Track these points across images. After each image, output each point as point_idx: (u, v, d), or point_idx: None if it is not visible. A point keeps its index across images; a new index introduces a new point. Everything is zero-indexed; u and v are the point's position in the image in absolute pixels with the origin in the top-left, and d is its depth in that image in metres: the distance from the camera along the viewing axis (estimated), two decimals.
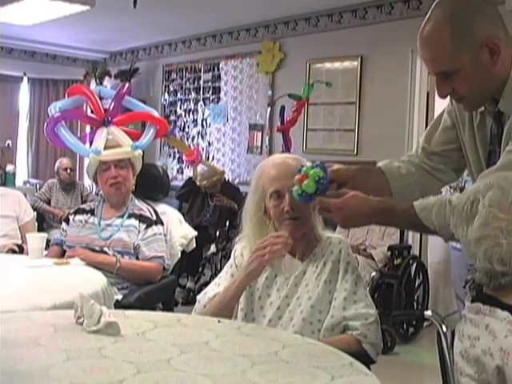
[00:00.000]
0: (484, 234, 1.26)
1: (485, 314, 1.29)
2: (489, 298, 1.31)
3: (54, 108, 3.09)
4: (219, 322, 1.66)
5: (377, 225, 1.72)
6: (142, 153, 3.02)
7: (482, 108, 1.60)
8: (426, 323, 4.50)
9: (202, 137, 7.14)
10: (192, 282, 5.46)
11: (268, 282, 1.85)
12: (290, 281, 1.84)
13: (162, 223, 2.94)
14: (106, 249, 2.79)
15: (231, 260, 1.93)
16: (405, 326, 4.33)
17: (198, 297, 1.89)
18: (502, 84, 1.50)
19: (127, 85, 3.32)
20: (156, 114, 3.30)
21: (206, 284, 6.20)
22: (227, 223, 5.53)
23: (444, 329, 1.48)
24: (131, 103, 3.35)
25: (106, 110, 3.20)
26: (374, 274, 4.07)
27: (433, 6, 1.51)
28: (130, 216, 2.88)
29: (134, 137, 3.09)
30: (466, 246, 1.30)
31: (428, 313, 1.55)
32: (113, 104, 3.22)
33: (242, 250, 1.92)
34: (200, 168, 5.78)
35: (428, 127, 1.81)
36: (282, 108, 5.50)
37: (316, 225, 1.91)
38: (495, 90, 1.52)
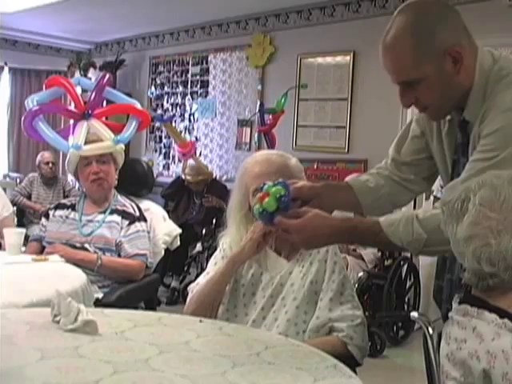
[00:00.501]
0: (473, 233, 1.26)
1: (472, 316, 1.29)
2: (477, 300, 1.31)
3: (32, 101, 3.05)
4: (201, 321, 1.66)
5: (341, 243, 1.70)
6: (124, 147, 3.00)
7: (449, 116, 1.61)
8: (416, 325, 4.52)
9: (190, 132, 7.13)
10: (177, 282, 5.45)
11: (254, 279, 1.87)
12: (275, 280, 1.85)
13: (145, 220, 2.93)
14: (86, 245, 2.78)
15: (219, 252, 1.93)
16: (395, 328, 4.34)
17: (190, 286, 1.90)
18: (467, 93, 1.52)
19: (108, 75, 3.30)
20: (138, 105, 3.28)
21: (192, 283, 6.17)
22: (213, 221, 5.53)
23: (430, 331, 1.49)
24: (113, 95, 3.33)
25: (86, 103, 3.18)
26: (361, 274, 4.07)
27: (395, 13, 1.52)
28: (112, 212, 2.88)
29: (116, 130, 3.08)
30: (455, 245, 1.31)
31: (414, 314, 1.56)
32: (93, 96, 3.20)
33: (230, 243, 1.93)
34: (190, 162, 5.82)
35: (397, 137, 1.81)
36: (261, 107, 5.53)
37: None
38: (460, 99, 1.53)
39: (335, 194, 1.73)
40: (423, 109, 1.56)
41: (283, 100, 5.42)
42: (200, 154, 6.87)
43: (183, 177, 5.86)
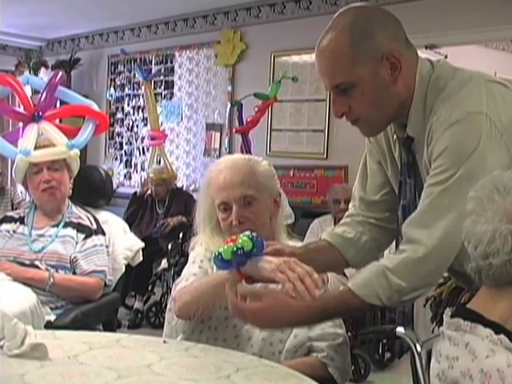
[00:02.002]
0: (471, 209, 1.27)
1: (465, 330, 1.28)
2: (470, 313, 1.31)
3: None
4: (165, 342, 1.66)
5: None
6: (79, 152, 2.97)
7: (395, 136, 1.63)
8: (404, 347, 4.52)
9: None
10: (140, 302, 5.40)
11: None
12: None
13: (103, 233, 2.91)
14: (37, 262, 2.73)
15: (197, 264, 1.89)
16: (380, 350, 4.34)
17: (176, 282, 1.88)
18: (406, 107, 1.54)
19: (61, 73, 3.26)
20: (95, 106, 3.25)
21: (157, 304, 6.12)
22: (180, 235, 5.50)
23: (418, 348, 1.49)
24: (66, 95, 3.29)
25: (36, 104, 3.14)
26: (342, 288, 4.07)
27: (334, 16, 1.55)
28: (66, 225, 2.85)
29: (70, 134, 3.04)
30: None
31: (400, 330, 1.55)
32: (44, 96, 3.16)
33: (204, 253, 1.91)
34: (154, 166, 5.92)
35: (357, 177, 1.83)
36: (241, 106, 5.51)
37: (278, 232, 1.91)
38: (398, 113, 1.55)
39: (317, 256, 1.74)
40: (355, 120, 1.57)
41: (277, 87, 5.39)
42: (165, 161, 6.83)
43: (139, 190, 5.94)
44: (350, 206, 1.83)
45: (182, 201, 5.76)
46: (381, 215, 1.76)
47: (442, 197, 1.44)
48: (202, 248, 1.92)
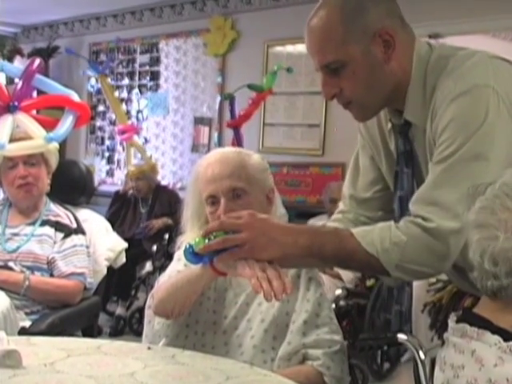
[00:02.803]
0: (484, 221, 1.24)
1: (472, 337, 1.27)
2: (477, 319, 1.30)
3: None
4: (149, 348, 1.65)
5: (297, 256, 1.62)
6: (58, 146, 2.96)
7: (390, 125, 1.63)
8: (405, 357, 4.52)
9: (138, 132, 7.06)
10: (122, 308, 5.39)
11: (216, 295, 1.85)
12: (239, 299, 1.84)
13: (83, 232, 2.90)
14: (11, 264, 2.72)
15: (182, 261, 1.88)
16: (379, 359, 4.34)
17: (159, 278, 1.90)
18: (402, 90, 1.54)
19: (38, 60, 3.24)
20: (76, 97, 3.23)
21: (141, 310, 6.13)
22: (166, 236, 5.49)
23: (422, 356, 1.48)
24: (44, 84, 3.26)
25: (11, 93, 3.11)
26: (338, 291, 4.07)
27: None
28: (43, 223, 2.84)
29: (48, 126, 3.02)
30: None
31: (402, 336, 1.55)
32: (20, 84, 3.13)
33: None
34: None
35: (348, 174, 1.84)
36: (233, 99, 5.50)
37: None
38: (393, 97, 1.56)
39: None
40: (347, 103, 1.58)
41: (273, 78, 5.38)
42: (150, 158, 6.82)
43: (122, 188, 5.97)
44: (340, 203, 1.84)
45: (166, 199, 5.76)
46: (373, 214, 1.76)
47: (451, 171, 1.43)
48: None
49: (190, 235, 1.93)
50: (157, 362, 1.54)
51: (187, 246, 1.54)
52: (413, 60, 1.54)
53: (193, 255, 1.53)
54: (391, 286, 1.72)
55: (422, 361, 1.48)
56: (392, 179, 1.68)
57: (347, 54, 1.49)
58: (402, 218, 1.50)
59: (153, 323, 1.88)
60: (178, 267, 1.87)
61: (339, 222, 1.79)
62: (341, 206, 1.83)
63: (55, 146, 2.93)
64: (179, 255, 1.92)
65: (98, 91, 7.44)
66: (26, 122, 2.99)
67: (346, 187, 1.82)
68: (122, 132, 6.03)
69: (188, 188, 1.96)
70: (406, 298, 1.65)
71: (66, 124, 3.11)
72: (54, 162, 2.93)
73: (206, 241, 1.51)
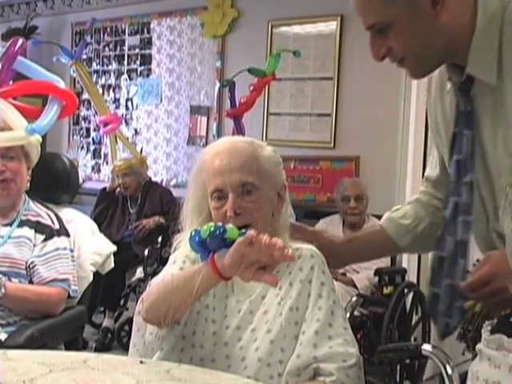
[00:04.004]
0: None
1: (509, 350, 1.27)
2: None
3: None
4: (142, 362, 1.64)
5: None
6: (40, 139, 2.94)
7: (449, 85, 1.67)
8: (427, 374, 4.51)
9: (127, 122, 7.11)
10: (110, 320, 5.40)
11: (216, 302, 1.84)
12: (243, 306, 1.84)
13: (67, 234, 2.90)
14: None
15: (178, 265, 1.89)
16: (398, 377, 4.34)
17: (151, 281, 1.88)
18: (462, 44, 1.57)
19: (21, 40, 3.23)
20: (61, 84, 3.22)
21: (130, 322, 6.17)
22: (159, 239, 5.49)
23: (449, 370, 1.47)
24: (27, 68, 3.25)
25: None
26: (354, 298, 4.07)
27: None
28: (21, 224, 2.84)
29: (30, 115, 3.01)
30: (508, 242, 1.35)
31: (427, 347, 1.53)
32: None
33: (195, 256, 1.89)
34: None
35: (429, 152, 1.95)
36: (233, 85, 5.49)
37: (281, 232, 1.90)
38: (452, 53, 1.60)
39: (366, 248, 1.93)
40: (399, 60, 1.65)
41: (276, 62, 5.35)
42: (141, 151, 6.82)
43: (109, 185, 6.00)
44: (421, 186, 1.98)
45: (156, 197, 5.77)
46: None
47: None
48: (187, 248, 1.91)
49: (189, 234, 1.92)
50: (150, 377, 1.53)
51: (193, 232, 1.59)
52: (477, 10, 1.56)
53: (197, 243, 1.58)
54: None
55: (449, 376, 1.47)
56: (449, 143, 1.71)
57: (391, 14, 1.55)
58: (458, 183, 1.61)
59: (142, 332, 1.87)
60: (173, 270, 1.86)
61: (412, 205, 1.94)
62: (421, 188, 1.97)
63: (37, 138, 2.91)
64: (175, 257, 1.92)
65: None
66: (5, 109, 2.97)
67: (427, 168, 1.93)
68: (104, 124, 6.01)
69: (190, 179, 1.95)
70: (458, 272, 1.66)
71: (49, 114, 3.10)
72: (35, 156, 2.92)
73: (212, 228, 1.56)
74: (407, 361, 3.24)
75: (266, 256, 1.54)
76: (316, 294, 1.83)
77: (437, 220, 1.88)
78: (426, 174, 1.96)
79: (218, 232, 1.57)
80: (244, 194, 1.82)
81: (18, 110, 3.02)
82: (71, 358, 1.69)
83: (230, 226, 1.61)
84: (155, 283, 1.80)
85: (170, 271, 1.86)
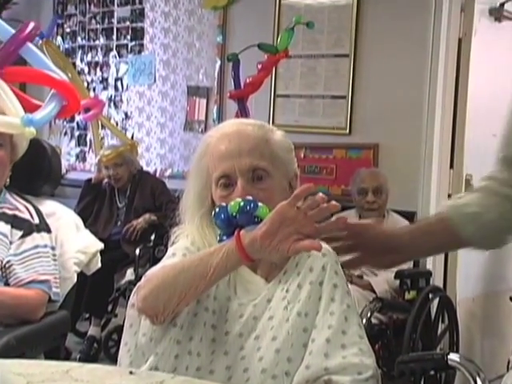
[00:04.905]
0: None
1: None
2: None
3: None
4: (132, 373, 1.64)
5: None
6: (34, 132, 2.94)
7: None
8: None
9: (116, 105, 7.12)
10: (97, 328, 5.41)
11: (217, 305, 1.85)
12: (246, 311, 1.84)
13: (47, 230, 2.91)
14: None
15: (178, 258, 1.89)
16: None
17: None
18: None
19: (33, 24, 3.21)
20: (64, 77, 3.20)
21: (119, 330, 6.20)
22: (152, 237, 5.50)
23: (479, 383, 1.47)
24: (34, 56, 3.20)
25: None
26: (371, 304, 4.07)
27: None
28: None
29: (28, 107, 3.00)
30: None
31: (454, 357, 1.54)
32: (6, 47, 3.11)
33: (197, 249, 1.91)
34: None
35: (506, 130, 1.92)
36: (237, 63, 5.48)
37: None
38: None
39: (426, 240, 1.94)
40: None
41: (289, 36, 5.32)
42: (132, 137, 6.82)
43: (94, 176, 6.02)
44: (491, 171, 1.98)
45: (148, 190, 5.76)
46: None
47: None
48: (188, 240, 1.92)
49: (189, 228, 1.93)
50: None
51: (217, 208, 1.68)
52: None
53: (224, 220, 1.67)
54: None
55: None
56: None
57: None
58: None
59: (135, 329, 1.86)
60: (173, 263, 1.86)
61: (479, 193, 1.96)
62: (491, 172, 1.97)
63: (31, 131, 2.88)
64: (174, 250, 1.93)
65: (66, 52, 7.43)
66: (3, 93, 2.96)
67: (500, 147, 1.92)
68: (85, 109, 5.98)
69: (192, 165, 1.96)
70: None
71: (49, 108, 3.09)
72: (21, 150, 2.95)
73: (242, 203, 1.65)
74: (432, 372, 3.22)
75: (310, 224, 1.59)
76: (328, 297, 1.83)
77: (506, 211, 1.90)
78: (500, 155, 1.93)
79: (248, 207, 1.64)
80: (254, 181, 1.84)
81: (18, 97, 3.03)
82: (52, 367, 1.69)
83: (260, 203, 1.67)
84: (154, 271, 1.81)
85: (170, 263, 1.86)
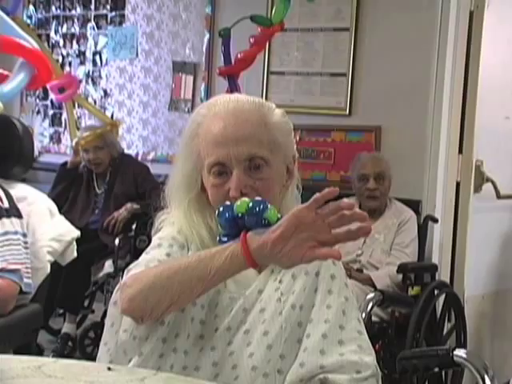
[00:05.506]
0: None
1: None
2: None
3: None
4: (110, 369, 1.64)
5: None
6: (2, 107, 2.94)
7: None
8: None
9: (94, 81, 7.11)
10: (71, 324, 5.39)
11: (205, 299, 1.84)
12: (236, 303, 1.84)
13: (18, 215, 2.92)
14: None
15: (164, 249, 1.89)
16: None
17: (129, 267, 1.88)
18: None
19: None
20: (34, 44, 3.20)
21: (96, 327, 6.19)
22: (133, 226, 5.49)
23: (488, 382, 1.48)
24: (3, 24, 3.21)
25: None
26: (370, 295, 4.07)
27: None
28: None
29: None
30: None
31: (460, 353, 1.54)
32: None
33: (184, 239, 1.91)
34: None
35: None
36: (228, 37, 5.47)
37: (284, 215, 1.91)
38: None
39: None
40: None
41: (285, 7, 5.29)
42: (112, 117, 6.81)
43: (70, 160, 5.98)
44: None
45: (130, 174, 5.73)
46: None
47: None
48: (174, 228, 1.91)
49: (176, 214, 1.92)
50: None
51: (221, 207, 1.68)
52: None
53: (228, 220, 1.67)
54: None
55: None
56: None
57: None
58: None
59: (117, 328, 1.85)
60: (159, 256, 1.86)
61: None
62: None
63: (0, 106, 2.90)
64: (160, 239, 1.92)
65: (39, 23, 7.42)
66: None
67: None
68: (59, 89, 5.94)
69: (181, 146, 1.95)
70: None
71: (17, 79, 3.09)
72: None
73: (251, 204, 1.64)
74: (436, 369, 3.22)
75: (327, 231, 1.58)
76: (324, 289, 1.83)
77: None
78: None
79: (257, 209, 1.63)
80: (252, 170, 1.82)
81: None
82: (23, 363, 1.69)
83: (270, 205, 1.66)
84: (136, 271, 1.80)
85: (156, 256, 1.86)
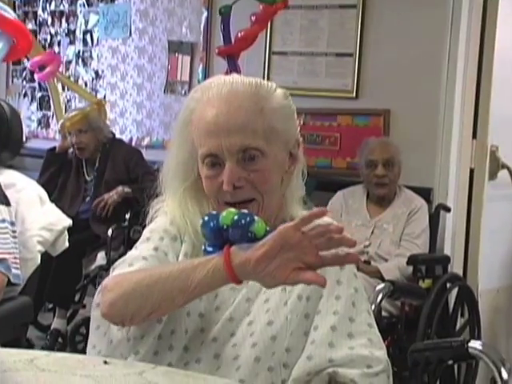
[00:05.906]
0: None
1: None
2: None
3: None
4: (106, 362, 1.64)
5: None
6: None
7: None
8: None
9: (85, 62, 7.09)
10: (62, 320, 5.41)
11: None
12: (238, 293, 1.85)
13: (6, 202, 2.93)
14: None
15: (153, 242, 1.90)
16: None
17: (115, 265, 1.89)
18: None
19: None
20: (11, 14, 3.20)
21: (88, 323, 6.23)
22: (127, 215, 5.49)
23: (504, 374, 1.48)
24: None
25: None
26: (380, 286, 4.07)
27: None
28: None
29: None
30: None
31: (475, 344, 1.54)
32: None
33: (177, 230, 1.92)
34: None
35: None
36: (227, 15, 5.46)
37: (289, 203, 1.92)
38: None
39: None
40: None
41: None
42: (104, 100, 6.80)
43: (59, 145, 6.01)
44: None
45: (121, 159, 5.73)
46: None
47: None
48: (167, 219, 1.92)
49: (170, 203, 1.93)
50: (117, 381, 1.54)
51: (207, 217, 1.67)
52: None
53: (213, 231, 1.66)
54: None
55: (504, 382, 1.49)
56: None
57: None
58: None
59: (104, 329, 1.86)
60: (145, 252, 1.87)
61: None
62: None
63: None
64: (150, 232, 1.93)
65: (26, 1, 7.39)
66: None
67: None
68: (40, 66, 5.91)
69: (175, 132, 1.96)
70: None
71: None
72: None
73: (236, 217, 1.62)
74: (450, 362, 3.23)
75: (314, 253, 1.58)
76: (333, 279, 1.83)
77: None
78: None
79: (243, 221, 1.62)
80: (246, 161, 1.81)
81: None
82: (14, 356, 1.69)
83: (257, 217, 1.65)
84: (130, 270, 1.80)
85: (142, 253, 1.87)
